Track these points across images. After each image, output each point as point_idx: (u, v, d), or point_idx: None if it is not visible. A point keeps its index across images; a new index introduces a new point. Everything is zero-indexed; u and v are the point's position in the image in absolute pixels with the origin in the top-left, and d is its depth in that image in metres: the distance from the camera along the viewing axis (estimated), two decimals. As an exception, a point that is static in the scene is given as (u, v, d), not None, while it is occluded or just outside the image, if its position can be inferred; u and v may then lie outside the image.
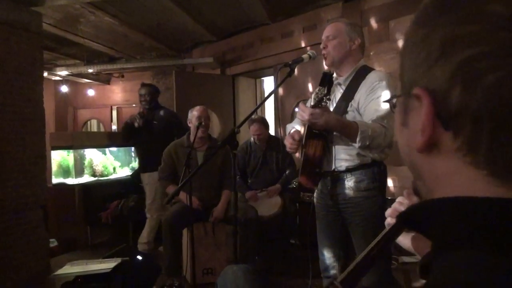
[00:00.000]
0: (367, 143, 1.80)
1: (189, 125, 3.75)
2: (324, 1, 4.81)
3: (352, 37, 2.09)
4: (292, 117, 5.37)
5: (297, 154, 2.43)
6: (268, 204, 3.92)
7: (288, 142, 2.15)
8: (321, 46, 2.13)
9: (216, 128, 5.92)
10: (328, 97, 1.68)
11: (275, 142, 4.33)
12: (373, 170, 2.01)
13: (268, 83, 6.69)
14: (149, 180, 4.50)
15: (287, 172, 4.23)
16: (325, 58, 2.13)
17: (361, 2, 4.43)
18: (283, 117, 5.46)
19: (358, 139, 1.80)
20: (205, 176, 3.55)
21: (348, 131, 1.84)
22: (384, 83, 1.95)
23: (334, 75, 2.24)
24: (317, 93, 1.72)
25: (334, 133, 2.02)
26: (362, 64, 2.11)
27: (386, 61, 4.14)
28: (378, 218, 2.01)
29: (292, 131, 2.25)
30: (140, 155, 4.81)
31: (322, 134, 1.97)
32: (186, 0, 4.75)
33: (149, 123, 4.53)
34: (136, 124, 4.46)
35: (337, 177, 2.06)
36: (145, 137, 4.54)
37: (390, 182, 3.98)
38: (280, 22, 5.39)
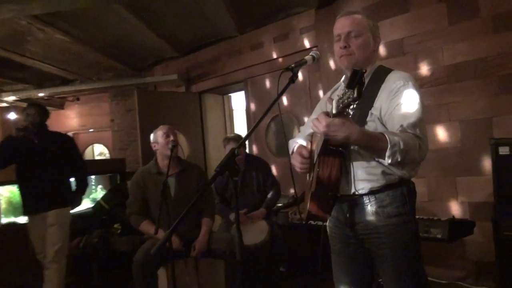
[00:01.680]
0: (399, 159, 1.44)
1: (154, 148, 3.29)
2: (295, 9, 4.53)
3: (374, 35, 1.75)
4: (267, 133, 5.02)
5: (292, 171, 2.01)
6: (254, 231, 3.50)
7: (297, 161, 1.77)
8: (341, 44, 1.73)
9: (184, 150, 5.46)
10: (357, 102, 1.27)
11: (254, 161, 3.95)
12: (402, 190, 1.65)
13: (237, 99, 6.33)
14: (57, 219, 3.49)
15: (270, 194, 3.84)
16: (344, 58, 1.74)
17: (336, 9, 4.18)
18: (256, 134, 5.09)
19: (388, 154, 1.43)
20: (180, 206, 3.07)
21: (375, 146, 1.46)
22: (410, 84, 1.61)
23: (343, 78, 1.90)
24: (341, 97, 1.31)
25: (352, 147, 1.66)
26: (378, 65, 1.78)
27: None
28: (412, 250, 1.65)
29: (296, 147, 1.88)
30: (28, 189, 3.57)
31: (339, 151, 1.60)
32: (147, 12, 4.34)
33: (38, 148, 3.51)
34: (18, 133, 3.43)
35: (356, 202, 1.68)
36: (35, 166, 3.50)
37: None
38: (249, 33, 5.06)
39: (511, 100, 3.09)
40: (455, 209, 3.35)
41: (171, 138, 3.15)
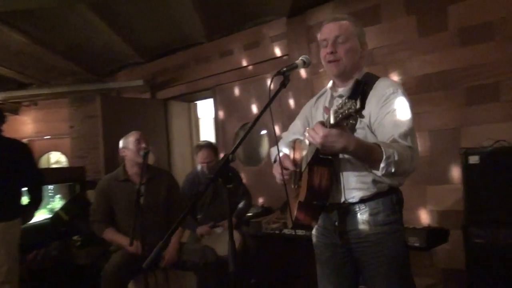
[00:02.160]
0: (392, 171, 1.42)
1: (123, 154, 3.15)
2: (266, 17, 4.51)
3: (362, 41, 1.74)
4: (235, 142, 4.95)
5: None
6: (225, 241, 3.39)
7: (277, 173, 1.73)
8: (328, 50, 1.70)
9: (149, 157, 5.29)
10: (360, 113, 1.21)
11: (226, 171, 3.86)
12: (392, 198, 1.64)
13: (204, 107, 6.23)
14: (2, 235, 3.04)
15: (240, 204, 3.77)
16: (331, 65, 1.72)
17: (306, 18, 4.20)
18: (225, 143, 5.02)
19: (382, 166, 1.41)
20: (149, 214, 2.95)
21: (370, 157, 1.44)
22: (400, 91, 1.60)
23: (330, 85, 1.87)
24: (341, 108, 1.25)
25: (341, 156, 1.63)
26: (365, 71, 1.76)
27: (337, 78, 3.91)
28: (403, 258, 1.63)
29: (279, 157, 1.82)
30: None
31: (329, 159, 1.57)
32: (114, 15, 4.19)
33: None
34: None
35: (347, 210, 1.64)
36: None
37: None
38: (218, 40, 5.00)
39: (477, 111, 3.18)
40: (424, 217, 3.40)
41: (143, 145, 3.03)
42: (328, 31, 1.73)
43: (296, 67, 1.68)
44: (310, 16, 4.17)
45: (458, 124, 3.27)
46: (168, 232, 1.23)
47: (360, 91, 1.18)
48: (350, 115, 1.23)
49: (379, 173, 1.44)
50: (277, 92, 1.60)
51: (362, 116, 1.22)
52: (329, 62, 1.72)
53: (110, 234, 3.00)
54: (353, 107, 1.20)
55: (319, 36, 1.80)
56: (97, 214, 3.08)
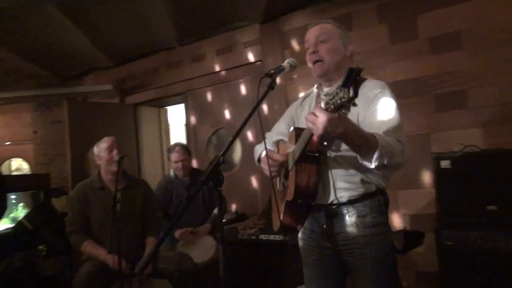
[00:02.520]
0: (385, 162, 1.42)
1: (98, 162, 3.07)
2: (239, 23, 4.51)
3: (345, 42, 1.77)
4: (207, 148, 4.90)
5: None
6: (202, 248, 3.35)
7: (267, 165, 1.72)
8: (310, 50, 1.73)
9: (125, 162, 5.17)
10: (353, 102, 1.17)
11: (199, 175, 3.81)
12: (379, 200, 1.66)
13: (174, 112, 6.15)
14: None
15: (216, 210, 3.72)
16: (315, 66, 1.74)
17: (280, 24, 4.23)
18: (197, 148, 4.96)
19: (376, 156, 1.40)
20: (125, 223, 2.87)
21: (365, 146, 1.42)
22: (387, 91, 1.63)
23: (315, 88, 1.88)
24: (332, 98, 1.21)
25: (328, 154, 1.63)
26: None
27: (311, 85, 3.93)
28: (391, 259, 1.65)
29: (264, 153, 1.80)
30: None
31: (316, 157, 1.57)
32: (83, 16, 4.07)
33: None
34: None
35: (335, 212, 1.65)
36: None
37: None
38: (190, 44, 4.95)
39: (446, 117, 3.29)
40: (397, 221, 3.47)
41: (114, 153, 2.93)
42: (310, 34, 1.77)
43: (283, 70, 1.68)
44: (284, 22, 4.20)
45: (429, 130, 3.36)
46: (162, 236, 1.18)
47: (353, 80, 1.15)
48: (343, 105, 1.19)
49: (371, 164, 1.43)
50: (265, 94, 1.59)
51: (355, 105, 1.18)
52: (314, 63, 1.74)
53: (89, 247, 2.88)
54: (346, 96, 1.16)
55: (304, 41, 1.81)
56: (74, 224, 2.95)
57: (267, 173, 1.73)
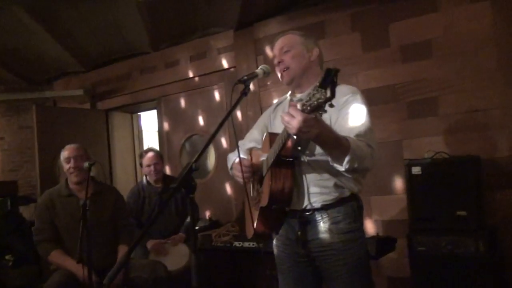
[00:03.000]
0: (355, 165, 1.44)
1: (64, 169, 2.99)
2: (213, 29, 4.49)
3: (309, 47, 1.82)
4: (181, 154, 4.84)
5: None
6: (176, 256, 3.29)
7: (238, 171, 1.73)
8: (275, 61, 1.81)
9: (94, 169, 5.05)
10: (330, 103, 1.18)
11: (172, 182, 3.75)
12: (353, 206, 1.66)
13: (147, 118, 6.06)
14: None
15: (189, 217, 3.66)
16: (283, 75, 1.80)
17: (254, 31, 4.23)
18: (170, 155, 4.90)
19: (347, 159, 1.41)
20: (94, 231, 2.77)
21: (337, 148, 1.43)
22: (358, 96, 1.66)
23: (288, 95, 1.89)
24: (309, 99, 1.20)
25: (302, 159, 1.63)
26: None
27: (284, 91, 3.94)
28: (365, 265, 1.66)
29: (236, 160, 1.80)
30: None
31: (291, 161, 1.57)
32: (53, 19, 3.97)
33: None
34: None
35: (308, 219, 1.64)
36: None
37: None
38: (164, 50, 4.89)
39: (418, 124, 3.34)
40: (370, 227, 3.49)
41: (71, 164, 2.85)
42: (275, 48, 1.85)
43: (256, 76, 1.69)
44: (258, 29, 4.20)
45: (401, 137, 3.41)
46: (132, 244, 1.14)
47: (330, 80, 1.15)
48: (320, 106, 1.19)
49: (342, 167, 1.44)
50: (238, 100, 1.58)
51: (332, 106, 1.18)
52: (281, 73, 1.79)
53: (57, 257, 2.78)
54: (322, 96, 1.16)
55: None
56: (42, 233, 2.85)
57: (239, 179, 1.73)
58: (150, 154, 3.66)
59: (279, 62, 1.79)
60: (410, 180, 2.94)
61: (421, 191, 2.87)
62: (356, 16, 3.63)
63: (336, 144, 1.41)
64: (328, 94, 1.14)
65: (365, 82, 3.56)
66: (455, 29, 3.19)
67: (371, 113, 3.31)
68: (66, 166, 2.90)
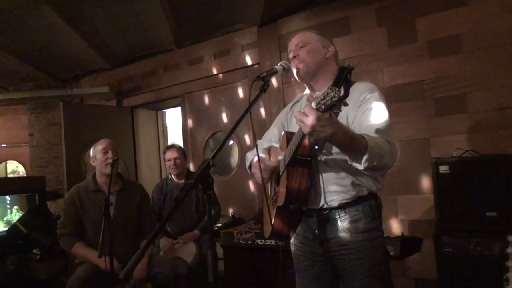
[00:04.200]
0: (375, 163, 1.41)
1: (93, 164, 3.05)
2: (237, 25, 4.49)
3: (324, 44, 1.80)
4: (205, 151, 4.87)
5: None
6: (181, 254, 3.32)
7: (258, 170, 1.70)
8: (291, 56, 1.80)
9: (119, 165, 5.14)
10: (344, 101, 1.15)
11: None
12: (371, 204, 1.64)
13: (172, 115, 6.13)
14: None
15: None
16: (298, 69, 1.77)
17: (278, 27, 4.21)
18: (194, 152, 4.94)
19: (365, 157, 1.39)
20: (118, 226, 2.86)
21: (354, 147, 1.41)
22: (376, 93, 1.63)
23: (307, 91, 1.87)
24: (323, 98, 1.19)
25: (319, 157, 1.61)
26: None
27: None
28: (384, 266, 1.63)
29: (255, 159, 1.79)
30: None
31: (307, 160, 1.55)
32: (79, 18, 4.05)
33: None
34: None
35: (326, 217, 1.63)
36: None
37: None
38: (187, 47, 4.93)
39: (446, 122, 3.26)
40: (395, 226, 3.44)
41: (109, 155, 2.91)
42: (291, 44, 1.85)
43: (276, 72, 1.68)
44: (281, 25, 4.18)
45: (428, 134, 3.33)
46: (147, 242, 1.16)
47: (344, 78, 1.12)
48: (334, 105, 1.17)
49: (361, 166, 1.42)
50: (257, 97, 1.57)
51: (346, 104, 1.16)
52: (296, 68, 1.78)
53: (80, 249, 2.86)
54: (336, 95, 1.14)
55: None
56: (66, 227, 2.93)
57: (259, 179, 1.72)
58: (172, 149, 3.72)
59: (294, 57, 1.78)
60: (437, 179, 2.86)
61: (449, 190, 2.79)
62: (382, 11, 3.56)
63: (352, 143, 1.39)
64: (342, 92, 1.12)
65: (391, 79, 3.50)
66: (486, 23, 3.09)
67: (398, 110, 3.27)
68: (102, 158, 2.93)
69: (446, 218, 2.80)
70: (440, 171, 2.85)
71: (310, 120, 1.25)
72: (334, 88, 1.15)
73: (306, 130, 1.29)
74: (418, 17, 3.38)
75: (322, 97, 1.20)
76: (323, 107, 1.20)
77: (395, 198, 3.44)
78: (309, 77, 1.78)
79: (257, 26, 4.33)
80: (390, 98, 3.49)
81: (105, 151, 2.95)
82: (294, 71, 1.80)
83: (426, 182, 3.30)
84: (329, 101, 1.17)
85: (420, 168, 3.32)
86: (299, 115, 1.29)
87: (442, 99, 3.27)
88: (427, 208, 3.21)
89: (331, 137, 1.33)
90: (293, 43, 1.82)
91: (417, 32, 3.39)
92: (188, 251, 3.42)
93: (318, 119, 1.24)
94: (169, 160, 3.67)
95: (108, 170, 2.87)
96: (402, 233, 2.85)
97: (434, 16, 3.31)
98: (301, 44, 1.78)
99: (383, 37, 3.56)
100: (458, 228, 2.71)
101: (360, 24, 3.69)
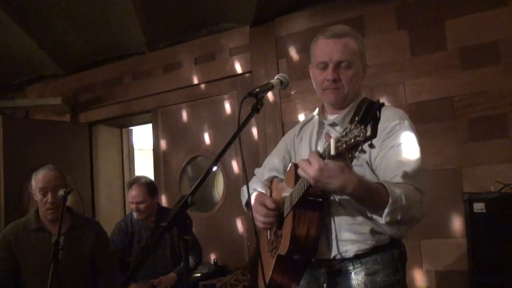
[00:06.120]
0: (398, 218, 1.44)
1: (35, 197, 3.03)
2: (224, 24, 4.58)
3: (363, 62, 1.81)
4: (181, 181, 4.88)
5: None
6: None
7: (260, 214, 1.73)
8: (330, 77, 1.73)
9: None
10: (370, 143, 1.17)
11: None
12: (393, 254, 1.66)
13: (140, 133, 6.16)
14: None
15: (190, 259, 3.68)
16: (330, 94, 1.77)
17: (275, 27, 4.29)
18: (167, 181, 4.95)
19: (387, 211, 1.42)
20: (67, 275, 2.83)
21: (372, 200, 1.44)
22: (406, 122, 1.66)
23: (317, 111, 1.90)
24: (346, 135, 1.21)
25: (332, 197, 1.64)
26: (363, 97, 1.80)
27: (312, 102, 3.98)
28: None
29: (254, 195, 1.81)
30: None
31: (319, 202, 1.58)
32: (27, 13, 4.10)
33: None
34: None
35: (338, 269, 1.64)
36: None
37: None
38: (162, 50, 5.01)
39: (481, 148, 3.31)
40: (419, 279, 3.45)
41: (48, 199, 2.89)
42: (329, 52, 1.74)
43: (271, 88, 1.69)
44: (280, 25, 4.27)
45: (459, 164, 3.38)
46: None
47: (372, 115, 1.15)
48: (357, 145, 1.19)
49: (382, 220, 1.45)
50: (248, 118, 1.59)
51: (372, 146, 1.19)
52: (327, 89, 1.76)
53: None
54: (362, 134, 1.15)
55: (315, 55, 1.81)
56: None
57: (259, 224, 1.74)
58: (135, 189, 3.65)
59: (335, 80, 1.72)
60: (471, 219, 2.90)
61: (485, 234, 2.83)
62: (403, 10, 3.66)
63: (369, 195, 1.42)
64: (369, 132, 1.15)
65: (415, 94, 3.57)
66: (530, 28, 3.19)
67: (422, 133, 3.30)
68: (41, 198, 2.92)
69: (481, 268, 2.83)
70: (475, 210, 2.89)
71: (312, 171, 1.32)
72: (358, 125, 1.17)
73: (309, 181, 1.36)
74: (447, 18, 3.47)
75: (344, 133, 1.23)
76: (344, 145, 1.22)
77: (419, 244, 3.47)
78: (340, 104, 1.79)
79: (249, 26, 4.42)
80: (413, 117, 3.47)
81: (43, 192, 2.92)
82: (321, 91, 1.80)
83: (457, 224, 3.34)
84: (352, 140, 1.19)
85: (449, 206, 3.35)
86: (302, 163, 1.35)
87: (477, 119, 3.34)
88: (458, 255, 3.24)
89: (339, 189, 1.38)
90: (335, 55, 1.73)
91: (446, 37, 3.48)
92: None
93: (321, 169, 1.31)
94: (131, 203, 3.66)
95: (49, 215, 2.89)
96: (429, 287, 2.87)
97: (467, 18, 3.40)
98: (347, 63, 1.72)
99: (404, 42, 3.64)
100: (497, 281, 2.73)
101: (376, 25, 3.77)
